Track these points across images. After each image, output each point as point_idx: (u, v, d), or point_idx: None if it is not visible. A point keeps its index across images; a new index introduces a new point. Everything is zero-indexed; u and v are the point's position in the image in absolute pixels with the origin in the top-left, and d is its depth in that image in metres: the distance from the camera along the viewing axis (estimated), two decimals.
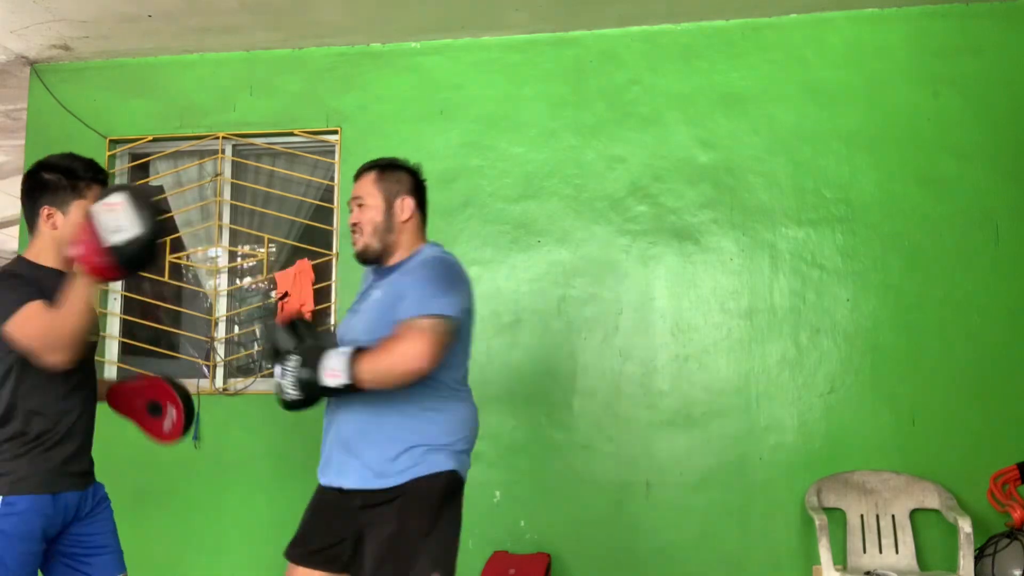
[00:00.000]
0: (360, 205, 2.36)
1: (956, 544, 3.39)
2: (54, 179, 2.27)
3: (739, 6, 3.94)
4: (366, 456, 2.23)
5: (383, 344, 2.11)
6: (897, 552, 3.61)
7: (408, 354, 2.06)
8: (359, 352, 2.09)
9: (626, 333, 3.97)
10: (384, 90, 4.28)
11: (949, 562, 3.57)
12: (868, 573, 3.46)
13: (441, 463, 2.22)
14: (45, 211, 2.26)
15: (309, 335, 2.23)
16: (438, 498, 2.21)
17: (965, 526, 3.34)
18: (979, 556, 3.44)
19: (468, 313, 2.31)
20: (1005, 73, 3.83)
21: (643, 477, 3.88)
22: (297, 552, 2.37)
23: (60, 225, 2.26)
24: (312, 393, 2.11)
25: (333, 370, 2.07)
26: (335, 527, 2.30)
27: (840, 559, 3.61)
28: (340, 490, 2.28)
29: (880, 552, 3.62)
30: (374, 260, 2.38)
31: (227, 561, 4.09)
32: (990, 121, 3.81)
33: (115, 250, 2.04)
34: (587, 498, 3.92)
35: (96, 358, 4.29)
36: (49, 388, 2.20)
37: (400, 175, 2.39)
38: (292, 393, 2.11)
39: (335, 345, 2.19)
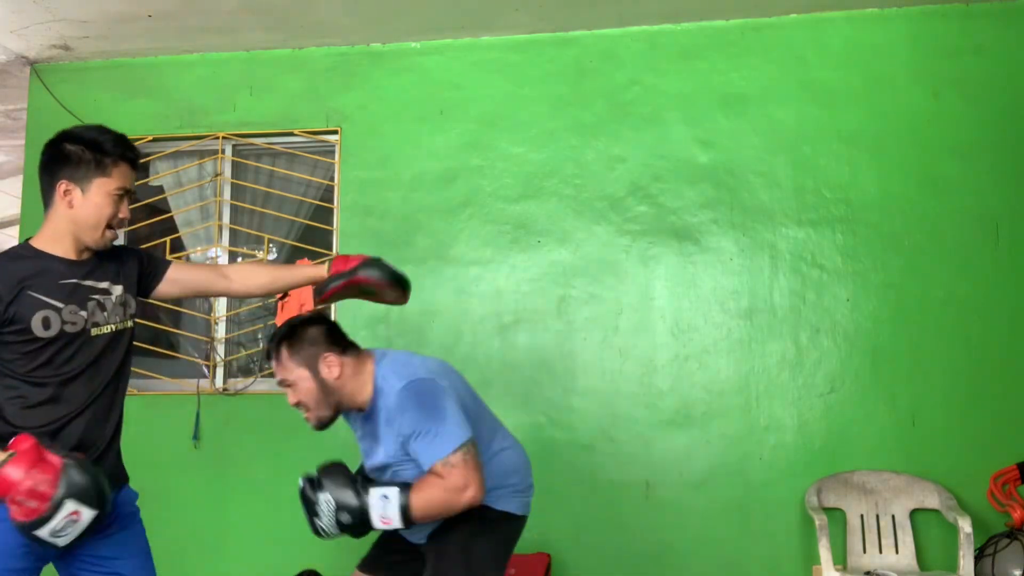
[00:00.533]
0: (289, 387, 2.33)
1: (956, 544, 3.39)
2: (76, 151, 2.03)
3: (739, 6, 3.94)
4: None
5: (427, 484, 2.18)
6: (897, 552, 3.61)
7: (460, 490, 2.16)
8: (406, 494, 2.17)
9: (626, 333, 3.97)
10: (384, 90, 4.28)
11: (949, 562, 3.57)
12: (868, 573, 3.46)
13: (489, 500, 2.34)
14: (62, 186, 2.03)
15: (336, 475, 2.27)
16: (476, 522, 2.32)
17: (965, 526, 3.33)
18: (979, 556, 3.44)
19: (463, 398, 2.35)
20: (1005, 73, 3.83)
21: (643, 477, 3.88)
22: (365, 562, 2.55)
23: (77, 204, 2.03)
24: (357, 534, 2.23)
25: (386, 517, 2.16)
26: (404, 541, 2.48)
27: (840, 559, 3.61)
28: None
29: (880, 552, 3.62)
30: (332, 422, 2.37)
31: (227, 561, 4.09)
32: (990, 121, 3.81)
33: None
34: (587, 498, 3.92)
35: None
36: (39, 378, 2.01)
37: (307, 334, 2.32)
38: (332, 532, 2.21)
39: (366, 479, 2.27)
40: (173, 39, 4.27)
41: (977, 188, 3.79)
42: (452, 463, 2.16)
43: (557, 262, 4.05)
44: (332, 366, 2.29)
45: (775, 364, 3.85)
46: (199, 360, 4.34)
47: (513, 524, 2.44)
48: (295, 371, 2.30)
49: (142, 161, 4.46)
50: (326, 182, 4.38)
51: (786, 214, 3.92)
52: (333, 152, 4.35)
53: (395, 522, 2.16)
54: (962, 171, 3.80)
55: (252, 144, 4.42)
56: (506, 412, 4.01)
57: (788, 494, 3.76)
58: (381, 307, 4.16)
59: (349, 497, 2.17)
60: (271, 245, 4.43)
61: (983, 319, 3.73)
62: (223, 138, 4.38)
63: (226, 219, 4.41)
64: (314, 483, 2.23)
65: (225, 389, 4.23)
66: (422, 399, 2.23)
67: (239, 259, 4.52)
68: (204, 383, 4.22)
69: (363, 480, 2.25)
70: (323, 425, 2.34)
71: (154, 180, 4.53)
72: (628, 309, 3.98)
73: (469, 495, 2.17)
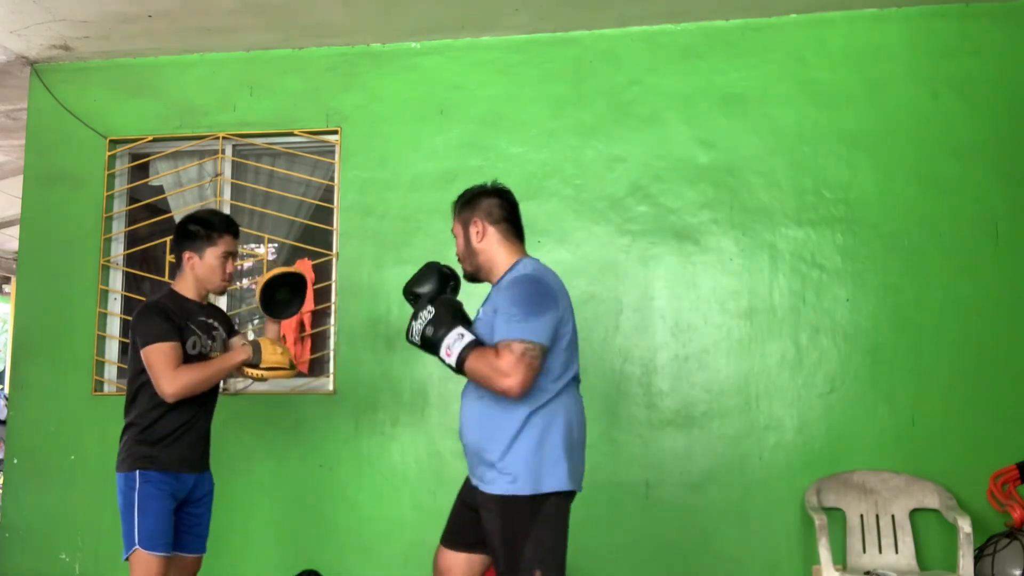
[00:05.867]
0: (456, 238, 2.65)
1: (956, 544, 3.39)
2: (195, 230, 2.87)
3: (739, 6, 3.94)
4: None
5: (487, 353, 2.39)
6: (897, 552, 3.61)
7: (503, 375, 2.33)
8: (475, 347, 2.41)
9: (626, 333, 3.97)
10: (384, 90, 4.28)
11: (949, 562, 3.57)
12: (868, 573, 3.46)
13: None
14: (187, 255, 2.87)
15: (451, 295, 2.64)
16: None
17: (965, 526, 3.34)
18: (979, 556, 3.44)
19: (561, 324, 2.48)
20: (1005, 73, 3.83)
21: (643, 477, 3.88)
22: (446, 536, 2.69)
23: (196, 266, 2.88)
24: (427, 351, 2.50)
25: (448, 349, 2.43)
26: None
27: (840, 559, 3.61)
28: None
29: (880, 552, 3.62)
30: (473, 279, 2.68)
31: (227, 561, 4.09)
32: (990, 121, 3.81)
33: None
34: (587, 498, 3.90)
35: (96, 358, 4.31)
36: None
37: (476, 202, 2.62)
38: (414, 339, 2.52)
39: (467, 320, 2.52)
40: (173, 39, 4.27)
41: (976, 188, 3.79)
42: (512, 349, 2.33)
43: (557, 262, 4.03)
44: (479, 232, 2.59)
45: (775, 364, 3.85)
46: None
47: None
48: (455, 228, 2.66)
49: (142, 161, 4.52)
50: (326, 182, 4.38)
51: (786, 214, 3.92)
52: (333, 152, 4.35)
53: (450, 360, 2.42)
54: (962, 171, 3.81)
55: (252, 144, 4.43)
56: None
57: (788, 494, 3.76)
58: (381, 307, 4.18)
59: (444, 318, 2.46)
60: (271, 245, 4.43)
61: (983, 319, 3.73)
62: (223, 138, 4.38)
63: None
64: (432, 297, 2.56)
65: (225, 389, 4.22)
66: (530, 290, 2.45)
67: (239, 259, 4.51)
68: None
69: (463, 317, 2.51)
70: (467, 278, 2.70)
71: (154, 180, 4.54)
72: (628, 309, 3.98)
73: (507, 384, 2.33)
